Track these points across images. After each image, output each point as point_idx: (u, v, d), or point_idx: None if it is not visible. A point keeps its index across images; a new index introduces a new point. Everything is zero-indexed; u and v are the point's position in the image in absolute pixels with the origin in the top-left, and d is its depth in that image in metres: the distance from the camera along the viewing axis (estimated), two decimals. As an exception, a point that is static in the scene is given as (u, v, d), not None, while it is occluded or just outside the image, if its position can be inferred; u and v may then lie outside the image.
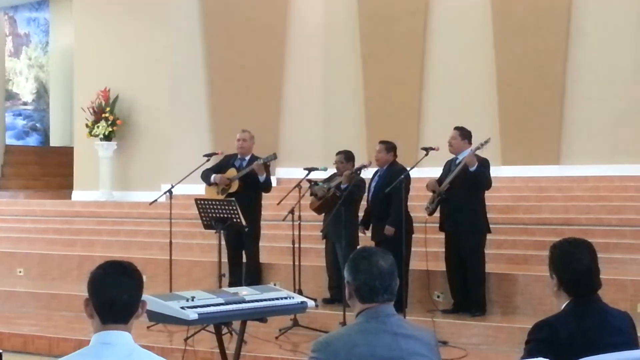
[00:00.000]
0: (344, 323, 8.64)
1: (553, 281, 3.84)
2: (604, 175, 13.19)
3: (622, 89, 13.43)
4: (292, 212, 9.85)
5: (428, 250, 9.49)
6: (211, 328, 7.46)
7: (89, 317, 3.31)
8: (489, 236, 9.56)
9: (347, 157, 10.27)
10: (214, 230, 9.42)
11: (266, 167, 10.25)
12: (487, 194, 9.57)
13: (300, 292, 9.35)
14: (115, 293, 3.24)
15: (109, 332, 3.25)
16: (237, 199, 9.52)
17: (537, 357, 3.58)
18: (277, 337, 9.13)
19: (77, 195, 16.41)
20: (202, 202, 9.54)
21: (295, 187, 10.17)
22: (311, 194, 10.23)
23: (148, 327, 9.21)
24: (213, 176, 10.24)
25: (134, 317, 3.31)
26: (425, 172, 10.65)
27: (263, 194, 10.48)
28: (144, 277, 10.99)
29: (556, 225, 11.39)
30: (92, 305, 3.27)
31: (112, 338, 3.24)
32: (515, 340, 8.15)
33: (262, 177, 10.16)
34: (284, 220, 10.07)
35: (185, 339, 8.53)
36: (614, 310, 3.86)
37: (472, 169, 9.15)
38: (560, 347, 3.61)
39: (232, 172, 10.27)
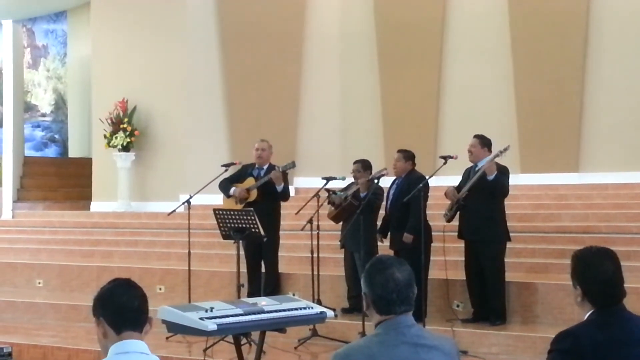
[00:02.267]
0: (363, 333, 8.60)
1: (576, 291, 3.77)
2: (623, 183, 13.08)
3: (641, 96, 13.34)
4: (310, 221, 9.83)
5: (447, 259, 9.44)
6: (230, 339, 7.43)
7: (102, 338, 3.35)
8: (508, 244, 9.50)
9: (364, 166, 10.25)
10: (233, 241, 9.40)
11: (284, 176, 10.24)
12: (506, 202, 9.51)
13: (319, 302, 9.33)
14: (125, 300, 3.33)
15: (125, 342, 3.30)
16: (255, 208, 9.50)
17: (560, 368, 3.53)
18: (296, 347, 9.11)
19: (95, 206, 16.45)
20: (221, 212, 9.53)
21: (313, 197, 10.16)
22: (329, 203, 10.21)
23: (167, 338, 9.19)
24: (232, 189, 10.24)
25: (145, 328, 3.36)
26: (444, 181, 10.59)
27: (282, 203, 10.47)
28: (163, 288, 11.03)
29: (576, 234, 11.32)
30: (104, 319, 3.32)
31: (129, 347, 3.29)
32: (535, 349, 8.10)
33: (279, 187, 10.15)
34: (302, 229, 10.04)
35: (204, 350, 8.51)
36: (639, 319, 3.80)
37: (491, 177, 9.10)
38: (583, 358, 3.56)
39: (250, 182, 10.26)
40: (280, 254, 10.65)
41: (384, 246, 9.91)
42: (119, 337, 3.29)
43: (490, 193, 9.19)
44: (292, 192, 11.39)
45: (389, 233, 9.85)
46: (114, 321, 3.30)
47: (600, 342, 3.59)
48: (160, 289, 11.85)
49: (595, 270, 3.73)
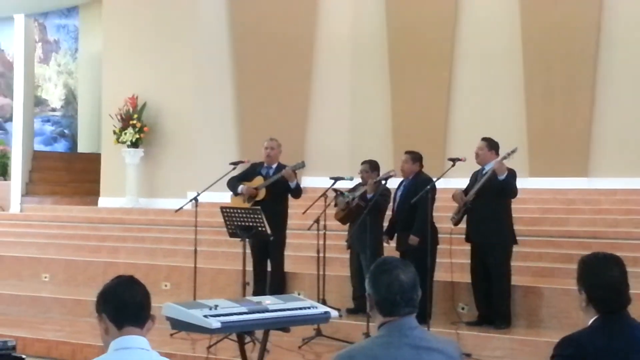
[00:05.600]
0: (367, 333, 8.59)
1: (581, 296, 3.76)
2: (632, 189, 13.05)
3: (652, 102, 13.31)
4: (317, 221, 9.83)
5: (453, 261, 9.42)
6: (234, 336, 7.44)
7: (104, 334, 3.36)
8: (515, 248, 9.48)
9: (372, 166, 10.23)
10: (239, 239, 9.41)
11: (295, 174, 10.25)
12: (513, 205, 9.49)
13: (324, 302, 9.31)
14: (128, 295, 3.34)
15: (126, 337, 3.31)
16: (263, 207, 9.51)
17: (562, 373, 3.52)
18: (300, 347, 9.10)
19: (103, 201, 16.48)
20: (228, 210, 9.53)
21: (321, 197, 10.16)
22: (335, 206, 10.20)
23: (171, 335, 9.20)
24: (240, 187, 10.24)
25: (147, 325, 3.37)
26: (452, 183, 10.57)
27: (289, 202, 10.47)
28: (169, 285, 11.04)
29: (583, 239, 11.28)
30: (106, 315, 3.33)
31: (130, 342, 3.30)
32: (540, 354, 8.07)
33: (292, 183, 10.18)
34: (309, 229, 10.04)
35: (208, 347, 8.52)
36: (643, 326, 3.78)
37: (502, 177, 9.07)
38: (586, 364, 3.55)
39: (258, 181, 10.26)
40: (286, 253, 10.65)
41: (390, 247, 9.89)
42: (120, 332, 3.30)
43: (499, 195, 9.16)
44: (300, 191, 11.38)
45: (395, 234, 9.84)
46: (115, 317, 3.31)
47: (604, 349, 3.58)
48: (165, 285, 11.87)
49: (601, 276, 3.72)
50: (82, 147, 21.15)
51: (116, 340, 3.30)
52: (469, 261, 9.49)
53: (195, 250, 10.39)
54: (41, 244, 14.59)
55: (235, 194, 10.32)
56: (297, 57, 15.90)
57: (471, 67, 14.76)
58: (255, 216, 9.26)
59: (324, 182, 10.84)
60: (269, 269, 10.43)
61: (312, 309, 6.39)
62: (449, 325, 9.42)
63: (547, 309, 9.44)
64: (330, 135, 15.81)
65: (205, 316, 5.83)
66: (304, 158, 12.02)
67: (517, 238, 9.47)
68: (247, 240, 9.39)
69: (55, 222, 15.68)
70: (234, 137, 15.66)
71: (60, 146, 21.81)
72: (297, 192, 10.34)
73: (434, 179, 9.38)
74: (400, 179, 9.98)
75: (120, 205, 15.81)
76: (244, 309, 6.09)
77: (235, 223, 9.41)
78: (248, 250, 9.67)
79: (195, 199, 10.37)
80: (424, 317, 8.41)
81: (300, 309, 6.34)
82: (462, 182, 9.79)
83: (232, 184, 10.36)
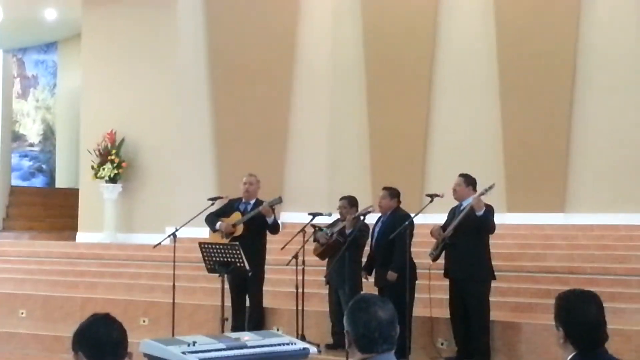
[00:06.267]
0: (346, 370, 8.57)
1: (559, 333, 3.78)
2: (609, 224, 13.13)
3: (627, 138, 13.42)
4: (296, 257, 9.84)
5: (432, 296, 9.43)
6: (213, 373, 7.40)
7: None
8: (493, 283, 9.51)
9: (350, 202, 10.25)
10: (218, 274, 9.40)
11: (272, 209, 10.25)
12: (491, 241, 9.53)
13: (303, 337, 9.32)
14: (103, 332, 3.33)
15: None
16: (241, 243, 9.52)
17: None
18: (279, 383, 9.05)
19: (81, 237, 16.39)
20: (206, 245, 9.53)
21: (299, 232, 10.17)
22: (314, 241, 10.21)
23: (149, 371, 9.14)
24: (218, 224, 10.24)
25: None
26: (430, 219, 10.62)
27: (267, 238, 10.47)
28: (147, 320, 10.96)
29: (561, 274, 11.32)
30: (82, 353, 3.32)
31: None
32: (519, 389, 8.08)
33: (270, 219, 10.17)
34: (287, 264, 10.06)
35: (187, 384, 8.46)
36: (621, 363, 3.81)
37: (479, 213, 9.10)
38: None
39: (236, 216, 10.27)
40: (265, 288, 10.63)
41: (368, 283, 9.90)
42: None
43: (477, 231, 9.20)
44: (279, 227, 11.41)
45: (374, 270, 9.85)
46: (92, 355, 3.30)
47: (582, 385, 3.60)
48: (144, 321, 11.81)
49: (578, 313, 3.75)
50: (60, 182, 21.10)
51: None
52: (448, 296, 9.51)
53: (174, 286, 10.36)
54: (18, 279, 14.48)
55: (214, 230, 10.32)
56: (275, 91, 15.95)
57: (449, 101, 14.84)
58: (234, 252, 9.27)
59: (303, 218, 10.85)
60: (247, 304, 10.41)
61: (291, 345, 6.38)
62: (428, 360, 9.43)
63: (526, 344, 9.46)
64: (309, 171, 15.83)
65: (184, 352, 5.82)
66: (282, 194, 12.04)
67: (496, 273, 9.50)
68: (225, 275, 9.38)
69: (33, 258, 15.56)
70: (213, 172, 15.65)
71: (38, 181, 21.75)
72: (275, 228, 10.34)
73: (412, 215, 9.43)
74: (379, 215, 10.01)
75: (98, 240, 15.73)
76: (222, 345, 6.08)
77: (214, 258, 9.41)
78: (227, 286, 9.66)
79: (174, 234, 10.36)
80: (403, 353, 8.41)
81: (279, 345, 6.34)
82: (440, 218, 9.84)
83: (210, 220, 10.37)
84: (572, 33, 13.81)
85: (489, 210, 9.23)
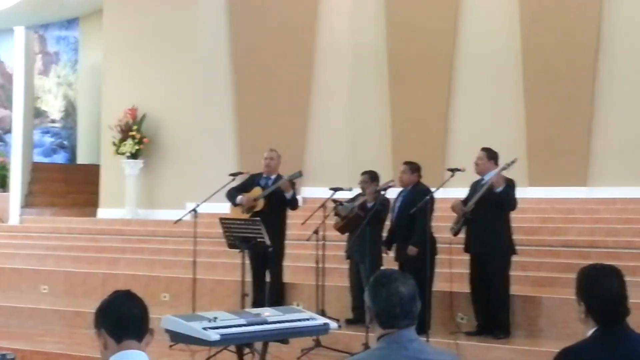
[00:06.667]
0: (366, 344, 8.58)
1: (580, 308, 3.75)
2: (632, 198, 13.04)
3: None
4: (316, 232, 9.84)
5: (452, 271, 9.41)
6: (233, 348, 7.43)
7: (103, 349, 3.35)
8: (514, 258, 9.47)
9: (371, 177, 10.24)
10: (238, 250, 9.41)
11: (292, 185, 10.23)
12: (512, 215, 9.49)
13: (323, 313, 9.32)
14: (126, 309, 3.34)
15: (125, 352, 3.29)
16: (262, 218, 9.52)
17: (561, 384, 3.52)
18: (299, 358, 9.09)
19: (102, 212, 16.48)
20: (227, 221, 9.54)
21: (320, 207, 10.15)
22: (335, 215, 10.21)
23: (170, 346, 9.16)
24: (239, 197, 10.24)
25: (146, 339, 3.36)
26: (451, 193, 10.58)
27: (288, 213, 10.46)
28: (168, 296, 11.04)
29: (582, 248, 11.29)
30: (105, 329, 3.32)
31: (129, 357, 3.28)
32: (540, 364, 8.06)
33: (288, 194, 10.15)
34: (308, 240, 10.05)
35: (207, 359, 8.50)
36: (642, 337, 3.78)
37: (498, 190, 9.07)
38: (585, 376, 3.54)
39: (257, 191, 10.26)
40: (285, 263, 10.65)
41: (388, 258, 9.89)
42: (119, 347, 3.29)
43: (498, 206, 9.17)
44: (299, 202, 11.39)
45: (394, 245, 9.83)
46: (113, 331, 3.30)
47: (603, 360, 3.58)
48: (165, 296, 11.86)
49: (600, 287, 3.71)
50: (82, 158, 21.15)
51: (115, 355, 3.28)
52: (468, 271, 9.49)
53: (195, 262, 10.38)
54: (40, 255, 14.57)
55: (234, 204, 10.32)
56: (296, 68, 15.92)
57: (471, 77, 14.76)
58: (254, 227, 9.27)
59: (323, 193, 10.85)
60: (267, 279, 10.43)
61: (311, 321, 6.40)
62: (448, 335, 9.42)
63: (546, 319, 9.44)
64: (330, 146, 15.81)
65: (205, 328, 5.84)
66: (303, 168, 12.03)
67: (517, 248, 9.47)
68: (246, 251, 9.39)
69: (55, 234, 15.67)
70: (234, 148, 15.67)
71: (60, 157, 21.81)
72: (293, 203, 10.32)
73: (433, 190, 9.39)
74: (399, 189, 9.98)
75: (120, 216, 15.81)
76: (242, 321, 6.10)
77: (235, 234, 9.41)
78: (247, 261, 9.67)
79: (195, 210, 10.37)
80: (423, 328, 8.40)
81: (299, 320, 6.36)
82: (462, 192, 9.79)
83: (231, 195, 10.37)
84: (596, 6, 13.68)
85: (510, 185, 9.19)
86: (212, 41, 15.71)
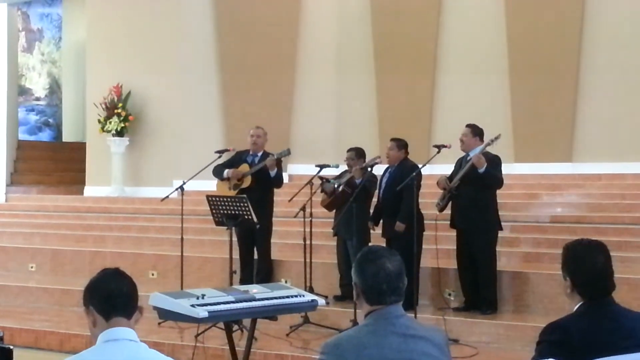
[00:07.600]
0: (354, 321, 8.63)
1: (566, 283, 3.80)
2: (617, 173, 13.09)
3: (636, 86, 13.32)
4: (303, 208, 9.85)
5: (439, 247, 9.44)
6: (222, 325, 7.46)
7: (92, 327, 3.39)
8: (500, 233, 9.52)
9: (358, 154, 10.25)
10: (226, 227, 9.41)
11: (278, 162, 10.22)
12: (499, 191, 9.52)
13: (311, 289, 9.36)
14: (114, 286, 3.37)
15: (114, 329, 3.32)
16: (249, 195, 9.51)
17: (548, 359, 3.55)
18: (287, 334, 9.12)
19: (89, 190, 16.44)
20: (214, 198, 9.53)
21: (306, 184, 10.16)
22: (322, 192, 10.22)
23: (159, 324, 9.20)
24: (226, 171, 10.24)
25: (135, 316, 3.39)
26: (437, 169, 10.61)
27: (275, 190, 10.47)
28: (155, 273, 11.04)
29: (569, 224, 11.35)
30: (93, 307, 3.35)
31: (118, 334, 3.31)
32: (526, 338, 8.12)
33: (272, 172, 10.12)
34: (295, 217, 10.07)
35: (196, 336, 8.54)
36: (629, 312, 3.81)
37: (481, 170, 9.09)
38: (572, 350, 3.58)
39: (244, 168, 10.26)
40: (272, 240, 10.67)
41: (376, 234, 9.92)
42: (108, 324, 3.32)
43: (483, 183, 9.20)
44: (285, 179, 11.40)
45: (381, 221, 9.86)
46: (102, 308, 3.33)
47: (589, 334, 3.62)
48: (152, 274, 11.87)
49: (586, 262, 3.75)
50: (67, 136, 21.08)
51: (104, 332, 3.31)
52: (455, 247, 9.53)
53: (182, 239, 10.39)
54: (27, 233, 14.56)
55: (221, 178, 10.30)
56: (281, 44, 15.87)
57: (456, 52, 14.75)
58: (242, 204, 9.26)
59: (310, 170, 10.86)
60: (255, 257, 10.45)
61: (299, 297, 6.41)
62: (436, 311, 9.48)
63: (533, 294, 9.49)
64: (316, 123, 15.79)
65: (193, 305, 5.84)
66: (289, 145, 12.02)
67: (503, 223, 9.52)
68: (233, 228, 9.39)
69: (41, 212, 15.64)
70: (220, 125, 15.64)
71: (45, 135, 21.72)
72: (278, 181, 10.31)
73: (420, 166, 9.41)
74: (386, 166, 10.00)
75: (106, 194, 15.79)
76: (231, 298, 6.11)
77: (222, 211, 9.41)
78: (234, 239, 9.68)
79: (181, 187, 10.37)
80: (410, 304, 8.44)
81: (288, 297, 6.36)
82: (447, 169, 9.83)
83: (218, 171, 10.37)
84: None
85: (495, 163, 9.21)
86: (197, 17, 15.65)
